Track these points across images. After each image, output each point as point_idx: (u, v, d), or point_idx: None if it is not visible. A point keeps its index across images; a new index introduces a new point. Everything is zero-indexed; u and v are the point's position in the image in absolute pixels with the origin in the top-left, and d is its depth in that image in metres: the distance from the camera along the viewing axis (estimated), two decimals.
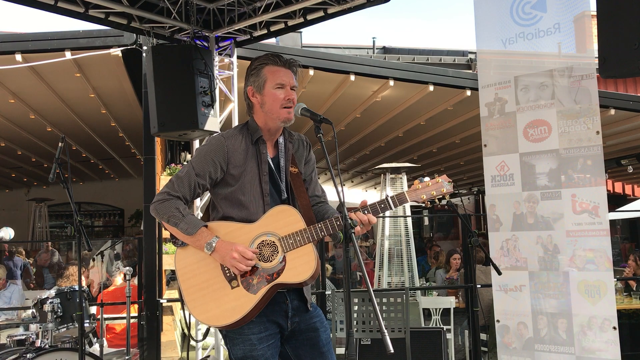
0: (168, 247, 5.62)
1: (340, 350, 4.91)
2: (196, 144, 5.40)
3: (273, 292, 2.36)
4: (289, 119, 2.43)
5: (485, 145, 3.92)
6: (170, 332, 6.26)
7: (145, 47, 5.42)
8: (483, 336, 5.92)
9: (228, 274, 2.38)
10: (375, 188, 17.08)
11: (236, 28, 5.05)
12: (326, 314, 5.55)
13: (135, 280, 5.82)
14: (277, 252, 2.37)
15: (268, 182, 2.45)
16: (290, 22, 4.98)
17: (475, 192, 16.51)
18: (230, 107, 5.50)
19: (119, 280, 6.33)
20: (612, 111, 7.70)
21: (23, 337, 4.27)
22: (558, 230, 3.60)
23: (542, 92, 3.68)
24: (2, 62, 5.76)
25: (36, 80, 6.49)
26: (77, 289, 4.10)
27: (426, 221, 17.63)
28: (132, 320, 5.01)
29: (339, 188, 2.12)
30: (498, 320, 3.87)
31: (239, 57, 5.53)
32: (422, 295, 7.07)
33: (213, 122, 4.80)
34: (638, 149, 10.26)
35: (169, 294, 6.53)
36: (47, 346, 3.96)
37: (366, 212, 2.34)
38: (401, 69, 7.01)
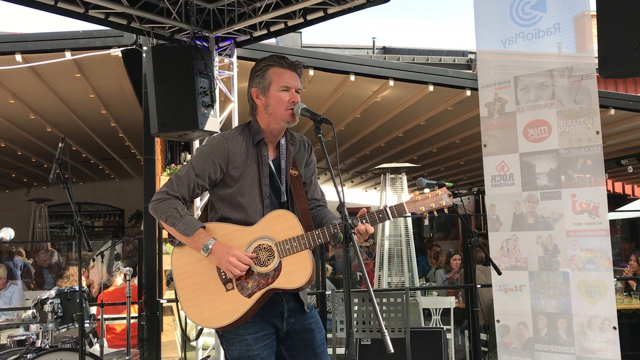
0: (168, 247, 5.61)
1: (341, 350, 4.90)
2: (196, 144, 5.39)
3: (267, 296, 2.36)
4: (293, 120, 2.43)
5: (485, 145, 3.92)
6: (171, 333, 6.26)
7: (145, 48, 5.43)
8: (483, 336, 5.93)
9: (223, 276, 2.38)
10: (375, 188, 17.08)
11: (236, 28, 5.05)
12: (326, 314, 5.55)
13: (136, 281, 5.82)
14: (274, 257, 2.36)
15: (268, 185, 2.44)
16: (290, 23, 4.98)
17: (475, 192, 16.52)
18: (230, 107, 5.50)
19: (119, 280, 6.33)
20: (612, 111, 7.69)
21: (23, 337, 4.28)
22: (558, 230, 3.59)
23: (542, 92, 3.68)
24: (2, 62, 5.76)
25: (36, 80, 6.49)
26: (77, 289, 4.10)
27: (426, 221, 17.54)
28: (132, 321, 5.02)
29: (339, 188, 2.12)
30: (498, 320, 3.87)
31: (239, 58, 5.53)
32: (422, 295, 7.07)
33: (213, 123, 4.80)
34: (638, 149, 10.25)
35: (169, 294, 6.52)
36: (47, 346, 3.96)
37: (364, 221, 2.33)
38: (401, 69, 7.00)
